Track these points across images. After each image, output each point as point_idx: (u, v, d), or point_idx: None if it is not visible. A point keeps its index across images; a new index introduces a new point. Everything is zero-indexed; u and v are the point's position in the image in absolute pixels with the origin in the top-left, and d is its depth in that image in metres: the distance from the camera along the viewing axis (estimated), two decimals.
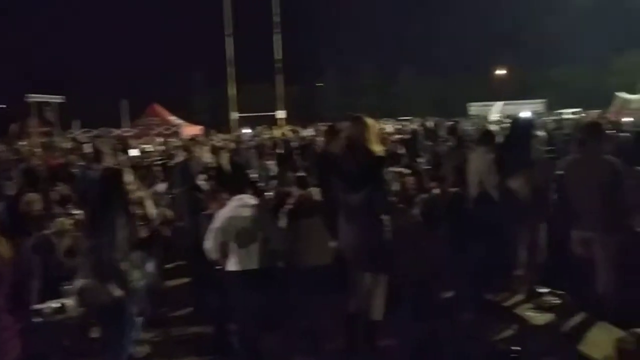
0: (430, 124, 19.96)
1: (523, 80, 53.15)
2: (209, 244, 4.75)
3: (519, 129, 5.65)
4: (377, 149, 4.58)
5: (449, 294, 5.62)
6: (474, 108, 46.40)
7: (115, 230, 4.12)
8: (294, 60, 42.35)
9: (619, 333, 4.17)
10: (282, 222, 5.54)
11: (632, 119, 21.15)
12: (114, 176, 4.41)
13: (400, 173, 6.73)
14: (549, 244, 5.94)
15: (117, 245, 4.10)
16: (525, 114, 15.08)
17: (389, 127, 21.36)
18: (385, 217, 4.57)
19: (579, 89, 44.41)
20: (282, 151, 12.80)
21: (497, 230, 5.58)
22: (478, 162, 6.43)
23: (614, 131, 13.40)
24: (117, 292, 4.13)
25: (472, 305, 5.54)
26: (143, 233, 4.46)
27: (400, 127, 20.92)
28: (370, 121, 4.63)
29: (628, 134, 11.08)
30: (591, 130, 5.45)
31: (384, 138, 14.14)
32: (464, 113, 43.64)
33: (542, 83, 51.07)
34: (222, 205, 4.99)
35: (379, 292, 4.61)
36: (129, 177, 4.41)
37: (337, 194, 4.61)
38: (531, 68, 53.17)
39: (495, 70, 55.81)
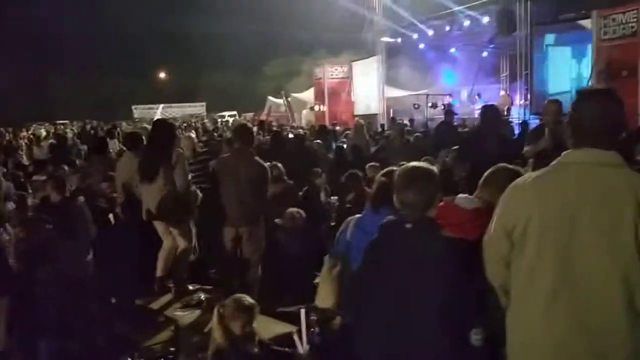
0: (89, 127, 19.00)
1: (185, 83, 54.32)
2: None
3: (158, 131, 5.66)
4: None
5: (99, 306, 5.33)
6: (138, 110, 46.02)
7: None
8: None
9: None
10: None
11: (277, 121, 23.93)
12: None
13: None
14: (199, 241, 6.15)
15: None
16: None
17: (42, 131, 19.55)
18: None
19: (236, 93, 47.41)
20: None
21: (143, 235, 5.51)
22: (126, 166, 6.25)
23: (260, 131, 14.80)
24: None
25: (124, 314, 5.36)
26: None
27: (53, 131, 19.33)
28: None
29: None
30: (240, 132, 5.89)
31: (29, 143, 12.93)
32: (130, 116, 42.89)
33: (202, 86, 52.99)
34: None
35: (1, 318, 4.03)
36: None
37: None
38: (192, 72, 54.64)
39: (158, 72, 55.99)
